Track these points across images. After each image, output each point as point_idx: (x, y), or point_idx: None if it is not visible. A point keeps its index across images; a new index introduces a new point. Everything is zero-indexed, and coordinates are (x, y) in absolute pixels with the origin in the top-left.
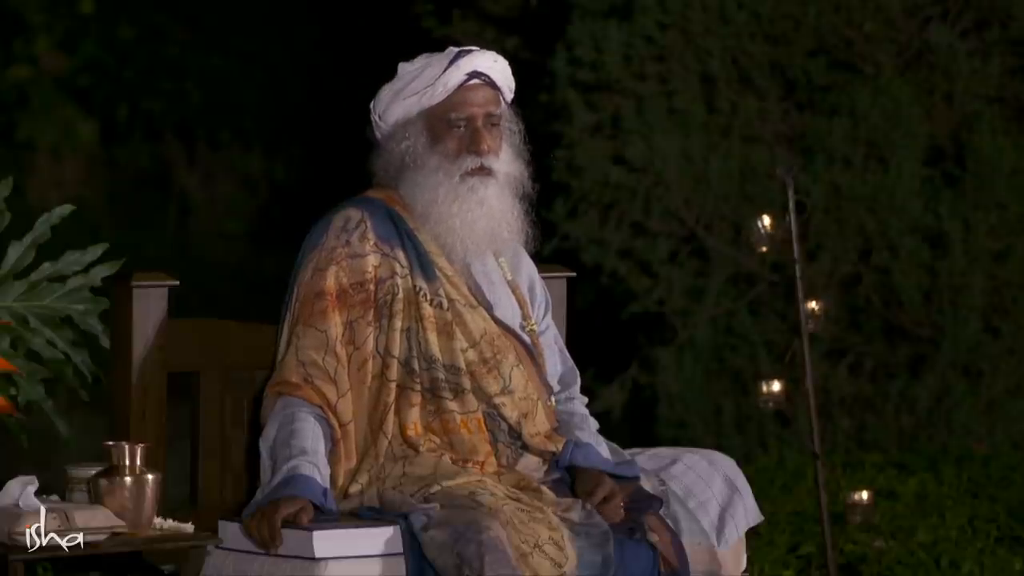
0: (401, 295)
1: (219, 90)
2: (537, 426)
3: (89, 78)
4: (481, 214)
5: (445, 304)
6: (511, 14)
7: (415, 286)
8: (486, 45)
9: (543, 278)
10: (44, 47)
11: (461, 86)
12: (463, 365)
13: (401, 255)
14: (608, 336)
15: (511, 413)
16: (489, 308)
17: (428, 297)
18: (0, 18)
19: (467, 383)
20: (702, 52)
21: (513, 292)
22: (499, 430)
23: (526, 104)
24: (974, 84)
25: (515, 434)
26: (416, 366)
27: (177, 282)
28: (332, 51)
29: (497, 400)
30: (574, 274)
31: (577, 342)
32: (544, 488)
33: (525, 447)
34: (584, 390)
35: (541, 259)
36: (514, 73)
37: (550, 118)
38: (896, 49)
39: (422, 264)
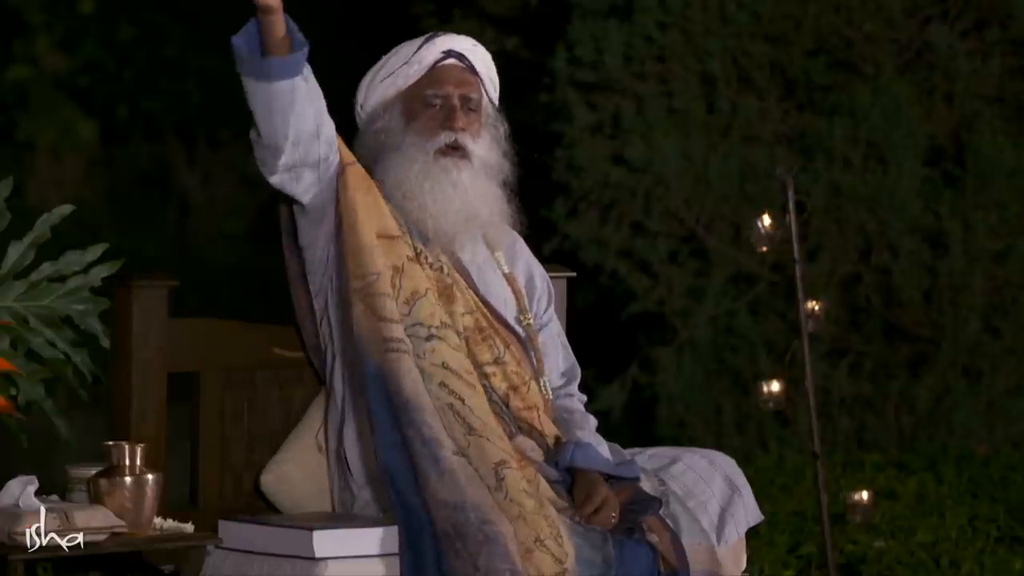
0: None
1: (219, 90)
2: (527, 401)
3: (89, 78)
4: (455, 196)
5: (445, 269)
6: (511, 14)
7: (415, 247)
8: (486, 45)
9: None
10: (44, 47)
11: (437, 64)
12: (461, 329)
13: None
14: (608, 336)
15: (500, 384)
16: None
17: (429, 260)
18: (0, 18)
19: (464, 347)
20: (702, 52)
21: (510, 284)
22: (491, 402)
23: (526, 104)
24: (974, 84)
25: (504, 404)
26: (421, 319)
27: (177, 282)
28: (332, 51)
29: (488, 369)
30: (574, 274)
31: (577, 342)
32: (559, 490)
33: (517, 425)
34: (584, 390)
35: (541, 259)
36: (514, 73)
37: (550, 118)
38: (896, 49)
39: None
